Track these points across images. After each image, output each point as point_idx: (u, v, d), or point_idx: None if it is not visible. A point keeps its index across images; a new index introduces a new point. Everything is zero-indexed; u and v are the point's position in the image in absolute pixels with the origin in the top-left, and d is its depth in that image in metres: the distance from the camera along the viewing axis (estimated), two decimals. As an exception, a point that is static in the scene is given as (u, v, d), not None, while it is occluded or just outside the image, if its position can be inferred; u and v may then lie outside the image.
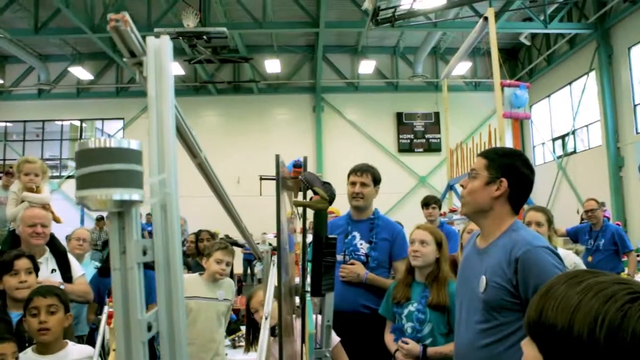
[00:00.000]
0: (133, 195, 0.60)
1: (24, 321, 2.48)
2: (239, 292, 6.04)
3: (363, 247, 3.50)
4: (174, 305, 0.65)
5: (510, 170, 2.16)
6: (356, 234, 3.55)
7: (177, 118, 0.94)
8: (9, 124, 20.41)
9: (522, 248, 2.00)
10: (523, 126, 18.92)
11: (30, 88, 19.48)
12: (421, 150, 19.39)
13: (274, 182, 1.84)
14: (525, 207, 4.86)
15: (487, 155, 2.23)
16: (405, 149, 19.48)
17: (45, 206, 4.03)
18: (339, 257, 3.47)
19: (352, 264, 3.43)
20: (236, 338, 4.34)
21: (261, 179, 2.48)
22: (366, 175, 3.54)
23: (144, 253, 0.64)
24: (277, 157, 1.90)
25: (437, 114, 18.90)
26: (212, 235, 5.71)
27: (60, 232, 4.20)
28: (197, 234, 5.72)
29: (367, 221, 3.58)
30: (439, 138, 18.72)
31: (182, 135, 1.00)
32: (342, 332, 2.90)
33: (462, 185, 2.25)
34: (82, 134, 20.34)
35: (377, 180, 3.60)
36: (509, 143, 7.59)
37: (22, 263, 2.97)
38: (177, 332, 0.65)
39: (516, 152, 2.33)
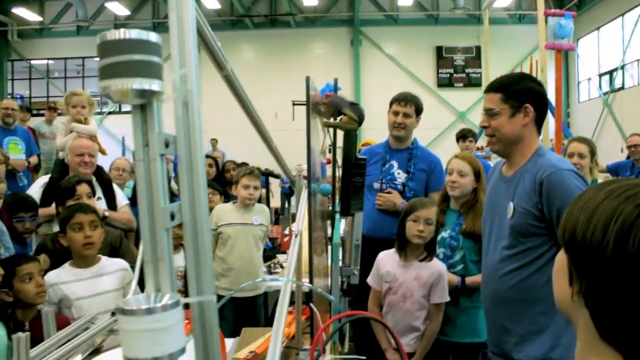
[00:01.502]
0: (152, 85, 0.61)
1: (62, 237, 2.60)
2: (276, 222, 6.15)
3: (400, 176, 3.51)
4: (196, 196, 0.67)
5: (530, 94, 2.12)
6: (394, 162, 3.55)
7: (202, 26, 0.95)
8: (50, 62, 20.72)
9: (547, 171, 1.99)
10: (568, 60, 18.20)
11: (69, 25, 19.61)
12: (461, 85, 18.96)
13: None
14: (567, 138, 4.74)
15: (497, 88, 2.15)
16: (445, 83, 19.07)
17: (92, 137, 4.17)
18: (376, 185, 3.50)
19: (389, 192, 3.45)
20: (272, 265, 4.47)
21: (294, 104, 2.49)
22: (410, 106, 3.51)
23: (167, 145, 0.66)
24: (307, 78, 1.90)
25: (478, 48, 18.29)
26: (237, 165, 5.80)
27: (104, 164, 4.35)
28: (223, 166, 5.80)
29: (405, 151, 3.57)
30: (480, 73, 18.19)
31: (207, 44, 1.01)
32: (374, 257, 2.96)
33: (483, 127, 2.20)
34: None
35: (419, 111, 3.57)
36: (551, 77, 7.32)
37: (84, 188, 3.16)
38: (199, 221, 0.67)
39: (523, 75, 2.30)
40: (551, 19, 7.05)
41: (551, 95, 7.38)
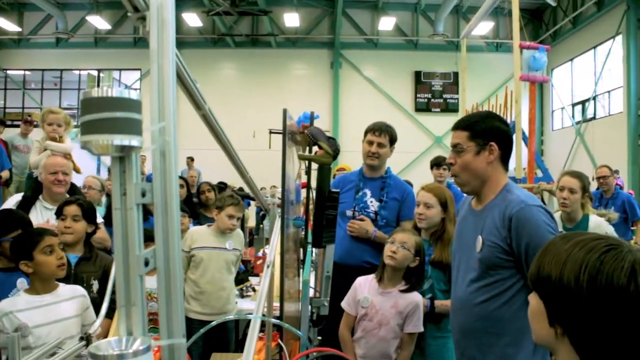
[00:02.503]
0: (132, 141, 0.65)
1: (24, 264, 2.51)
2: (250, 244, 6.15)
3: (373, 204, 3.55)
4: (170, 243, 0.70)
5: (495, 132, 2.20)
6: (367, 191, 3.59)
7: (181, 71, 0.99)
8: (27, 72, 20.51)
9: (516, 207, 2.06)
10: (542, 90, 18.64)
11: (48, 37, 19.48)
12: (438, 110, 19.25)
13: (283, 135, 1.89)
14: (552, 173, 4.77)
15: (464, 126, 2.23)
16: (422, 108, 19.35)
17: (66, 156, 4.14)
18: (349, 212, 3.53)
19: (361, 219, 3.49)
20: (244, 288, 4.47)
21: (270, 132, 2.53)
22: (384, 136, 3.55)
23: (143, 195, 0.69)
24: (285, 111, 1.95)
25: (456, 74, 18.63)
26: (212, 187, 5.79)
27: (79, 181, 4.32)
28: (198, 188, 5.79)
29: (379, 180, 3.62)
30: (457, 98, 18.51)
31: (187, 87, 1.04)
32: (344, 284, 2.99)
33: (450, 163, 2.26)
34: (99, 84, 20.42)
35: (393, 141, 3.62)
36: (525, 107, 7.50)
37: (72, 209, 3.09)
38: (173, 267, 0.71)
39: (489, 113, 2.38)
40: (526, 52, 7.22)
41: (525, 125, 7.55)
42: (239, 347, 3.88)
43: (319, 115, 2.47)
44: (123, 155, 0.68)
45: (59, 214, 3.08)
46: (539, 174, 7.72)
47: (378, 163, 3.57)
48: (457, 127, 2.26)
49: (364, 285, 2.92)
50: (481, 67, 17.63)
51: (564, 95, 18.06)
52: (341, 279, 2.99)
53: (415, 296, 2.86)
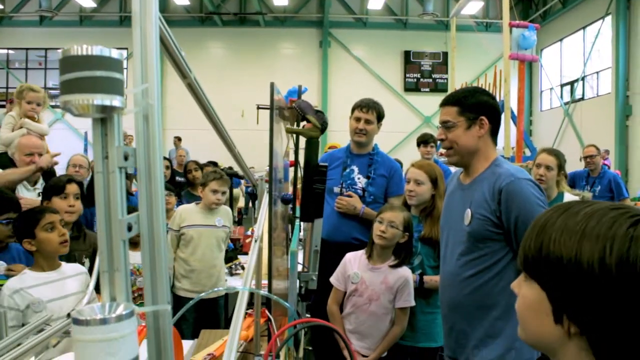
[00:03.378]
0: (113, 101, 0.63)
1: (28, 242, 2.52)
2: (239, 223, 6.15)
3: (360, 181, 3.54)
4: (154, 208, 0.69)
5: (485, 106, 2.20)
6: (354, 167, 3.59)
7: (165, 37, 0.96)
8: (11, 51, 20.19)
9: (506, 179, 2.07)
10: (532, 70, 18.65)
11: (31, 15, 19.12)
12: (427, 90, 19.22)
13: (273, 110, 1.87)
14: (538, 149, 4.80)
15: (453, 101, 2.23)
16: (412, 88, 19.32)
17: (42, 136, 4.05)
18: (336, 189, 3.53)
19: (349, 195, 3.48)
20: (233, 266, 4.47)
21: (258, 107, 2.50)
22: (371, 112, 3.54)
23: (126, 158, 0.67)
24: (272, 84, 1.92)
25: (445, 54, 18.59)
26: (200, 166, 5.76)
27: (62, 159, 4.25)
28: (185, 166, 5.75)
29: (366, 156, 3.61)
30: (446, 78, 18.48)
31: (171, 54, 1.02)
32: (333, 260, 3.00)
33: (440, 139, 2.26)
34: (85, 63, 20.08)
35: (380, 117, 3.61)
36: (514, 86, 7.50)
37: (73, 188, 3.07)
38: (157, 233, 0.69)
39: (477, 89, 2.38)
40: (515, 30, 7.21)
41: (514, 104, 7.57)
42: (229, 325, 3.89)
43: (307, 88, 2.44)
44: (105, 117, 0.65)
45: (60, 191, 3.03)
46: (527, 153, 7.75)
47: (365, 140, 3.56)
48: (446, 102, 2.25)
49: (354, 261, 2.94)
50: (471, 46, 17.58)
51: (553, 76, 18.08)
52: (329, 255, 3.01)
53: (405, 271, 2.88)
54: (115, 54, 0.65)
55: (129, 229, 0.68)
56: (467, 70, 16.51)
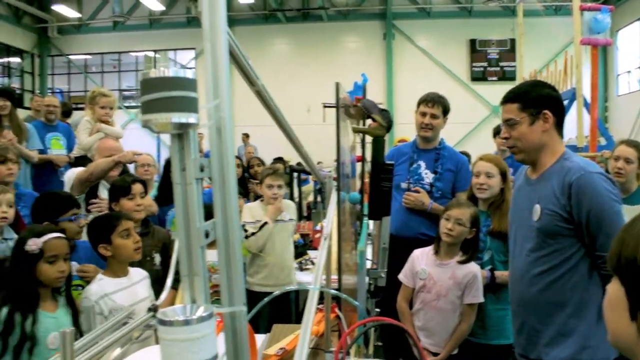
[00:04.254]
0: (189, 118, 0.68)
1: (103, 247, 2.60)
2: (308, 218, 6.23)
3: (428, 176, 3.54)
4: (228, 215, 0.73)
5: (546, 99, 2.15)
6: (421, 162, 3.58)
7: (234, 49, 1.01)
8: (88, 57, 21.18)
9: (576, 173, 2.02)
10: (606, 54, 17.79)
11: (105, 20, 20.01)
12: (495, 78, 18.68)
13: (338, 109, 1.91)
14: (616, 140, 4.59)
15: (512, 98, 2.19)
16: (478, 77, 18.84)
17: (117, 138, 4.26)
18: (403, 185, 3.53)
19: (416, 191, 3.48)
20: (303, 261, 4.54)
21: (324, 106, 2.54)
22: (437, 107, 3.53)
23: (202, 170, 0.72)
24: (337, 84, 1.96)
25: (513, 41, 17.97)
26: (262, 162, 5.87)
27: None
28: (248, 162, 5.86)
29: (432, 151, 3.59)
30: (514, 66, 17.92)
31: (239, 64, 1.07)
32: (401, 256, 3.01)
33: (504, 138, 2.22)
34: (155, 65, 20.82)
35: (446, 111, 3.59)
36: (586, 72, 7.19)
37: (138, 187, 3.23)
38: (232, 238, 0.74)
39: (536, 82, 2.33)
40: (587, 14, 6.91)
41: (586, 91, 7.26)
42: (300, 318, 3.96)
43: (367, 79, 2.44)
44: (181, 133, 0.71)
45: (127, 192, 3.19)
46: (602, 142, 7.42)
47: (431, 134, 3.55)
48: (506, 100, 2.22)
49: (422, 257, 2.94)
50: (539, 32, 16.94)
51: (631, 58, 17.16)
52: (397, 251, 3.02)
53: (473, 267, 2.85)
54: (189, 74, 0.70)
55: (206, 235, 0.73)
56: (536, 57, 15.91)
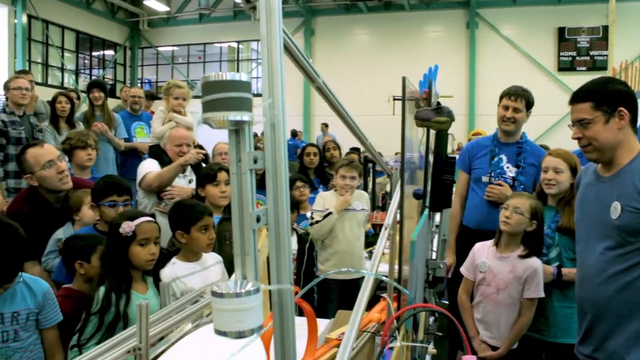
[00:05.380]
0: (244, 116, 0.77)
1: (180, 234, 2.75)
2: (383, 209, 6.27)
3: (510, 170, 3.52)
4: (279, 203, 0.82)
5: (621, 96, 2.08)
6: (503, 156, 3.56)
7: (292, 49, 1.09)
8: (175, 48, 22.09)
9: None
10: None
11: (192, 13, 20.79)
12: (584, 68, 17.85)
13: (409, 102, 1.96)
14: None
15: (584, 97, 2.12)
16: (566, 67, 18.08)
17: (189, 128, 4.45)
18: (485, 178, 3.54)
19: (499, 184, 3.47)
20: (373, 251, 4.60)
21: (394, 99, 2.59)
22: (520, 100, 3.48)
23: (255, 162, 0.81)
24: (404, 79, 2.00)
25: (605, 28, 17.09)
26: (337, 145, 5.86)
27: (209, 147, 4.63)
28: (324, 145, 5.88)
29: (514, 145, 3.57)
30: (606, 55, 17.05)
31: (299, 63, 1.15)
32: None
33: (577, 138, 2.16)
34: (239, 55, 21.47)
35: (530, 105, 3.54)
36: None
37: (223, 175, 3.38)
38: (281, 224, 0.82)
39: (607, 78, 2.24)
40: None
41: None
42: (368, 307, 4.05)
43: (438, 66, 2.45)
44: (237, 129, 0.80)
45: (213, 179, 3.36)
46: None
47: (513, 128, 3.52)
48: (577, 99, 2.15)
49: (482, 251, 2.95)
50: (634, 18, 16.02)
51: None
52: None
53: (534, 261, 2.82)
54: (244, 77, 0.79)
55: (258, 220, 0.82)
56: (629, 46, 15.08)
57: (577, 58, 17.99)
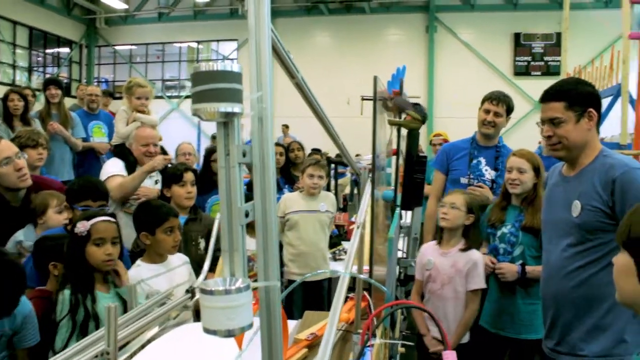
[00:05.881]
0: (234, 108, 0.75)
1: (145, 236, 2.69)
2: (344, 210, 6.28)
3: (489, 173, 3.61)
4: (267, 198, 0.80)
5: (591, 97, 2.16)
6: (482, 159, 3.64)
7: (275, 43, 1.08)
8: (133, 47, 21.68)
9: (620, 169, 2.04)
10: (657, 49, 17.24)
11: (151, 12, 20.45)
12: (539, 73, 18.31)
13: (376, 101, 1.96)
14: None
15: (557, 96, 2.18)
16: (522, 72, 18.51)
17: (153, 126, 4.37)
18: (463, 180, 3.60)
19: (479, 186, 3.53)
20: (337, 251, 4.61)
21: (362, 99, 2.60)
22: (501, 105, 3.58)
23: (244, 155, 0.80)
24: (375, 78, 2.01)
25: (559, 35, 17.57)
26: (302, 147, 5.81)
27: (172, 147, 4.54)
28: (288, 146, 5.86)
29: (493, 148, 3.66)
30: (559, 61, 17.51)
31: (281, 58, 1.14)
32: None
33: (547, 136, 2.22)
34: (198, 56, 21.23)
35: (510, 110, 3.64)
36: (633, 68, 7.02)
37: (189, 176, 3.34)
38: (269, 219, 0.81)
39: (578, 80, 2.33)
40: (637, 7, 6.76)
41: (632, 88, 7.09)
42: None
43: (404, 71, 2.48)
44: (227, 121, 0.78)
45: (179, 180, 3.29)
46: (648, 139, 7.24)
47: (493, 132, 3.61)
48: (550, 98, 2.21)
49: (428, 249, 3.06)
50: (586, 26, 16.48)
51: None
52: None
53: (474, 254, 2.96)
54: (236, 68, 0.77)
55: (246, 215, 0.80)
56: (582, 52, 15.51)
57: (532, 63, 18.46)
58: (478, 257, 2.95)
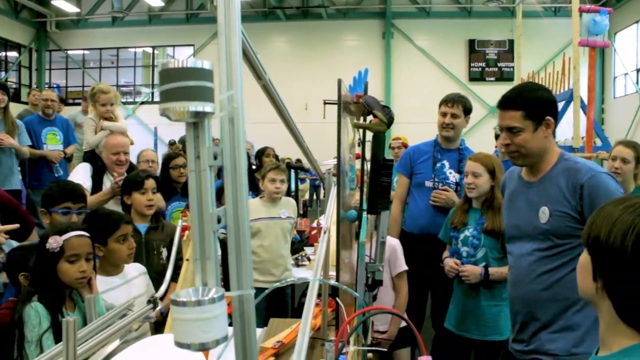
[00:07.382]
0: (206, 107, 0.70)
1: (99, 248, 2.58)
2: (305, 215, 6.26)
3: (453, 175, 3.61)
4: (239, 203, 0.76)
5: (548, 105, 2.18)
6: (445, 162, 3.65)
7: (243, 42, 1.04)
8: (86, 52, 21.17)
9: (586, 174, 2.06)
10: (604, 56, 17.87)
11: (104, 16, 20.01)
12: (493, 79, 18.79)
13: (336, 106, 1.93)
14: (612, 141, 4.62)
15: (515, 104, 2.17)
16: (477, 77, 18.96)
17: (123, 133, 4.27)
18: (428, 183, 3.60)
19: (445, 189, 3.53)
20: (299, 257, 4.57)
21: (325, 103, 2.56)
22: (457, 106, 3.59)
23: (215, 158, 0.75)
24: (339, 81, 1.98)
25: (511, 42, 18.08)
26: (276, 155, 5.78)
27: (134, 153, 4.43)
28: (263, 150, 5.78)
29: (455, 151, 3.68)
30: (512, 67, 17.98)
31: (249, 58, 1.09)
32: (431, 252, 3.24)
33: (505, 145, 2.21)
34: (154, 61, 20.88)
35: (467, 111, 3.65)
36: (584, 74, 7.23)
37: (150, 183, 3.22)
38: (242, 225, 0.76)
39: (535, 85, 2.34)
40: (586, 15, 6.96)
41: (584, 93, 7.31)
42: (295, 314, 4.01)
43: (368, 69, 2.47)
44: (197, 121, 0.73)
45: (140, 187, 3.20)
46: (598, 142, 7.48)
47: (453, 134, 3.63)
48: (508, 106, 2.19)
49: None
50: (538, 33, 17.00)
51: (628, 61, 17.23)
52: (426, 249, 3.27)
53: (391, 240, 3.07)
54: (206, 65, 0.72)
55: (218, 221, 0.76)
56: (534, 58, 15.95)
57: (487, 69, 18.90)
58: (396, 242, 3.13)
